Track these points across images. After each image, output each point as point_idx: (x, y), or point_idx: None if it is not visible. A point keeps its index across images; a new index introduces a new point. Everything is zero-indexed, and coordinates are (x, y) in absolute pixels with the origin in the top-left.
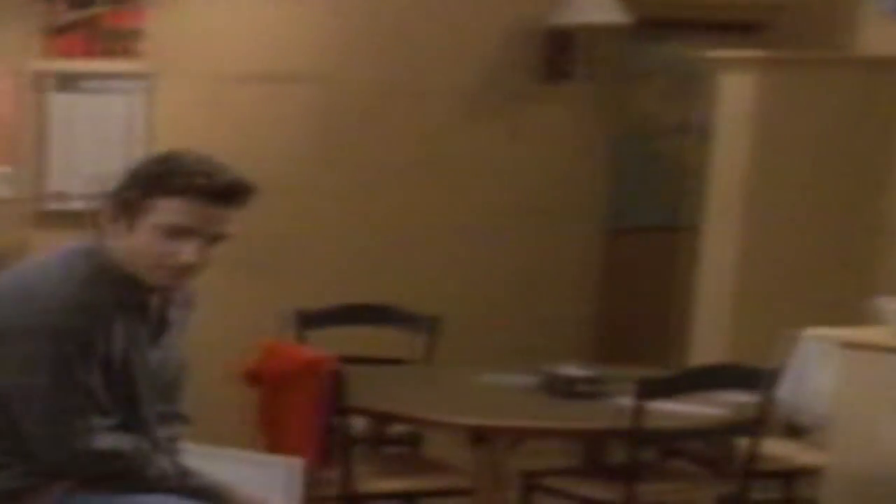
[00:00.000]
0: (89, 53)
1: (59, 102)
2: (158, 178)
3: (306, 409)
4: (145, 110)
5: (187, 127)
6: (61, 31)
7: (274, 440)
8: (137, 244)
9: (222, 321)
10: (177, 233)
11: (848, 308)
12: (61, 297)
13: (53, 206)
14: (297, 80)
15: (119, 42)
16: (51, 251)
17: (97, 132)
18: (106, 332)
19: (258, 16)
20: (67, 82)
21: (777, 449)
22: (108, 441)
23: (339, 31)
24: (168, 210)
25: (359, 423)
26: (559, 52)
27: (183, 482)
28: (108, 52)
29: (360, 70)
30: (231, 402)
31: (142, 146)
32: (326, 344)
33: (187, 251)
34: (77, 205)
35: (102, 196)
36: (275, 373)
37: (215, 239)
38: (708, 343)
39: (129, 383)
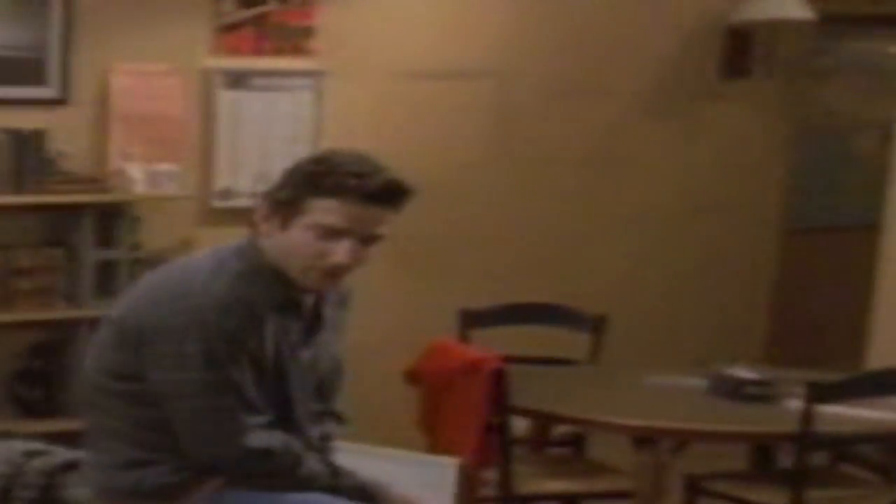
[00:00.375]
0: (258, 51)
1: (227, 100)
2: (313, 177)
3: (467, 408)
4: (313, 108)
5: (355, 125)
6: (231, 28)
7: (434, 439)
8: (290, 244)
9: (386, 320)
10: (329, 233)
11: None
12: (213, 295)
13: (219, 203)
14: (471, 76)
15: (289, 39)
16: (206, 249)
17: (264, 130)
18: (257, 330)
19: (431, 11)
20: (236, 80)
21: None
22: (259, 439)
23: (515, 26)
24: (321, 210)
25: (521, 424)
26: (739, 50)
27: (335, 481)
28: (278, 50)
29: (536, 66)
30: (395, 401)
31: (308, 144)
32: (491, 343)
33: (339, 252)
34: (243, 202)
35: (259, 195)
36: (437, 372)
37: (369, 240)
38: (886, 346)
39: (280, 382)
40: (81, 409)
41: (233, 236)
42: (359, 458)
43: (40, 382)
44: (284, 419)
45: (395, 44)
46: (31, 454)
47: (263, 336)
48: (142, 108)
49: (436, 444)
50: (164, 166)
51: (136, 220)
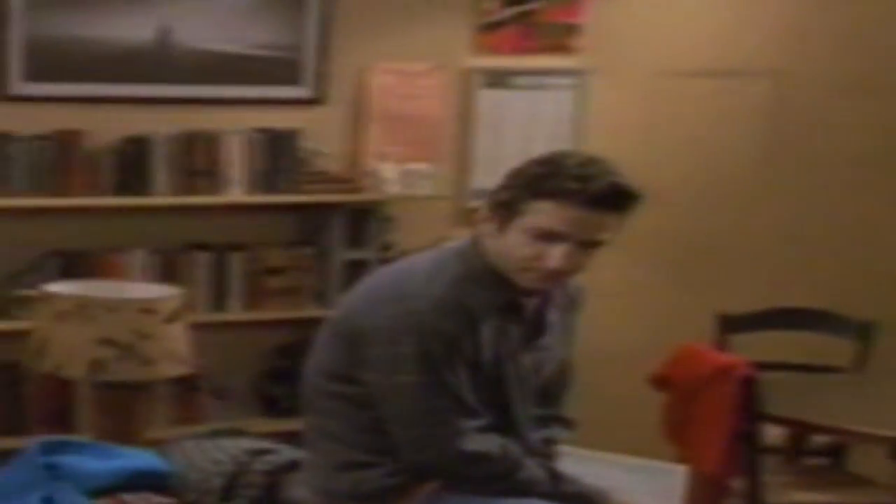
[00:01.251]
0: (521, 49)
1: (487, 99)
2: (534, 179)
3: (715, 415)
4: (577, 108)
5: (621, 125)
6: (493, 27)
7: (682, 446)
8: (507, 245)
9: (644, 324)
10: (546, 236)
11: None
12: (429, 297)
13: (476, 203)
14: (745, 74)
15: (553, 37)
16: (429, 250)
17: (525, 130)
18: (474, 332)
19: (705, 8)
20: (497, 79)
21: None
22: (475, 443)
23: (793, 23)
24: (539, 213)
25: (775, 433)
26: None
27: (555, 487)
28: (542, 48)
29: (814, 64)
30: (650, 406)
31: (570, 144)
32: (750, 349)
33: (555, 256)
34: None
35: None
36: (686, 377)
37: (589, 245)
38: None
39: (499, 385)
40: (303, 410)
41: None
42: (584, 464)
43: (286, 381)
44: (503, 423)
45: (665, 41)
46: (256, 453)
47: (480, 339)
48: (400, 107)
49: (683, 451)
50: (419, 166)
51: (388, 220)
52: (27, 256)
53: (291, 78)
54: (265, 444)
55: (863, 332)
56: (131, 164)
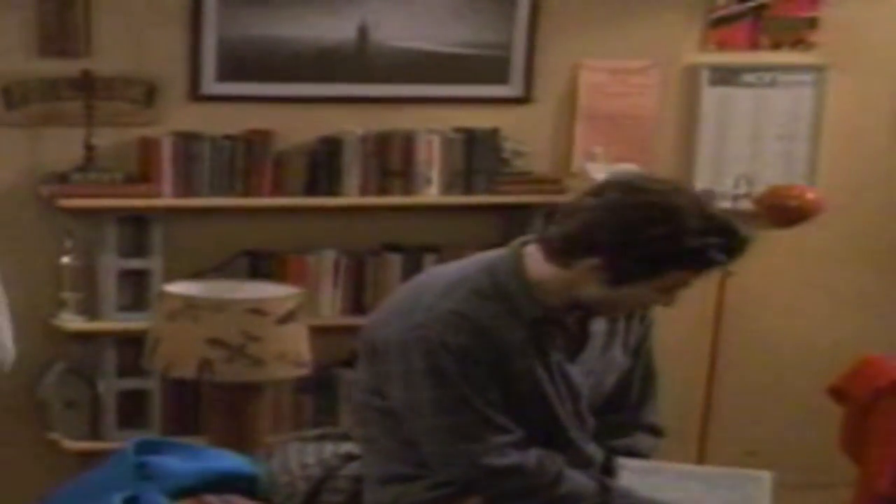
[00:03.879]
0: (753, 45)
1: (713, 97)
2: (671, 253)
3: (888, 431)
4: (814, 105)
5: (865, 123)
6: (725, 22)
7: (857, 462)
8: (623, 296)
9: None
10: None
11: None
12: (437, 310)
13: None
14: None
15: (789, 32)
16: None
17: (755, 129)
18: (496, 346)
19: None
20: (725, 76)
21: None
22: (506, 457)
23: None
24: (676, 278)
25: None
26: None
27: (604, 499)
28: (776, 44)
29: None
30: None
31: (807, 143)
32: None
33: (672, 300)
34: (725, 204)
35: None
36: (863, 390)
37: None
38: None
39: (540, 400)
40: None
41: None
42: (660, 477)
43: None
44: (552, 437)
45: None
46: (347, 458)
47: (507, 352)
48: (611, 105)
49: (858, 466)
50: (628, 166)
51: None
52: (217, 257)
53: (498, 76)
54: (355, 449)
55: None
56: (323, 164)
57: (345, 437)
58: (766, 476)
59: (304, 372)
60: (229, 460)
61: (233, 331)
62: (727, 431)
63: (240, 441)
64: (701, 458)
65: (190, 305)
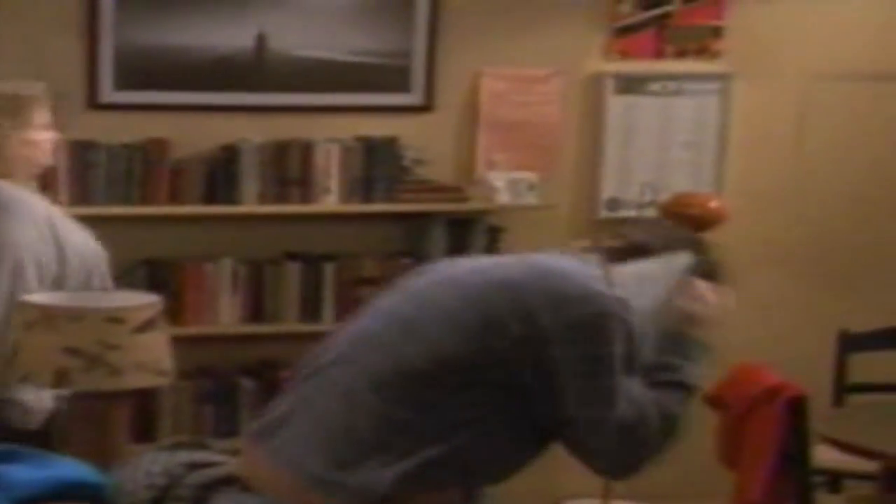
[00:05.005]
0: (658, 53)
1: (618, 106)
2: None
3: (763, 439)
4: (719, 113)
5: (770, 132)
6: (629, 31)
7: (733, 470)
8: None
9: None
10: None
11: None
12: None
13: (607, 214)
14: None
15: (694, 40)
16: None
17: (660, 137)
18: None
19: (864, 8)
20: (629, 84)
21: None
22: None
23: None
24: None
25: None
26: None
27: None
28: (681, 52)
29: None
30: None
31: (712, 152)
32: (874, 370)
33: None
34: (630, 213)
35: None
36: (737, 398)
37: None
38: None
39: None
40: None
41: None
42: None
43: None
44: None
45: (819, 43)
46: (193, 466)
47: None
48: (514, 114)
49: (735, 474)
50: (528, 175)
51: (495, 230)
52: (114, 266)
53: (399, 85)
54: (209, 457)
55: None
56: (221, 172)
57: (200, 446)
58: None
59: (164, 381)
60: (77, 470)
61: (90, 340)
62: None
63: (100, 452)
64: None
65: (47, 315)
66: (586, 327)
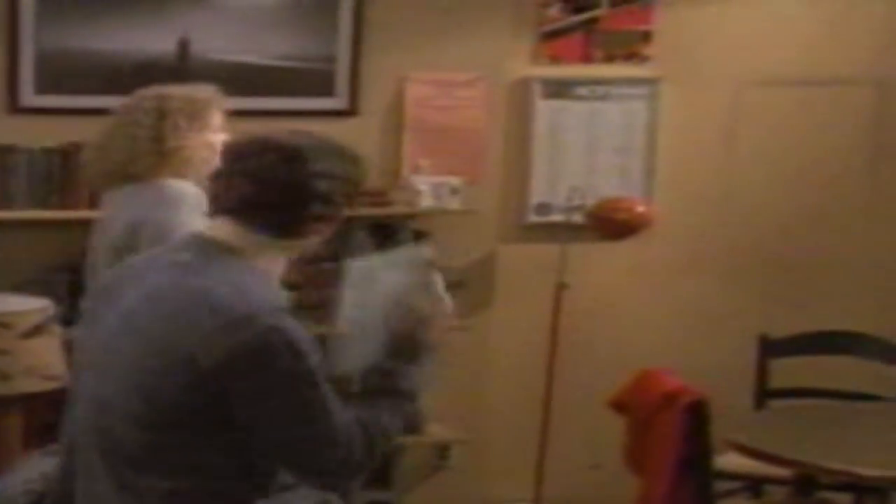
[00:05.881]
0: (586, 58)
1: (546, 110)
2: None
3: (663, 444)
4: (648, 118)
5: (698, 137)
6: (557, 35)
7: (638, 476)
8: None
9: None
10: None
11: None
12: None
13: (536, 218)
14: (844, 83)
15: (622, 45)
16: None
17: (589, 142)
18: None
19: (793, 15)
20: (557, 89)
21: None
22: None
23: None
24: None
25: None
26: None
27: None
28: (610, 57)
29: None
30: None
31: (641, 156)
32: (793, 375)
33: None
34: (558, 217)
35: None
36: (639, 404)
37: None
38: None
39: None
40: None
41: (547, 252)
42: None
43: None
44: None
45: (748, 48)
46: None
47: None
48: (439, 118)
49: (640, 478)
50: (451, 179)
51: (419, 235)
52: (35, 270)
53: (323, 89)
54: None
55: None
56: None
57: None
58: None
59: (55, 385)
60: None
61: None
62: (570, 444)
63: None
64: (540, 471)
65: None
66: (249, 354)
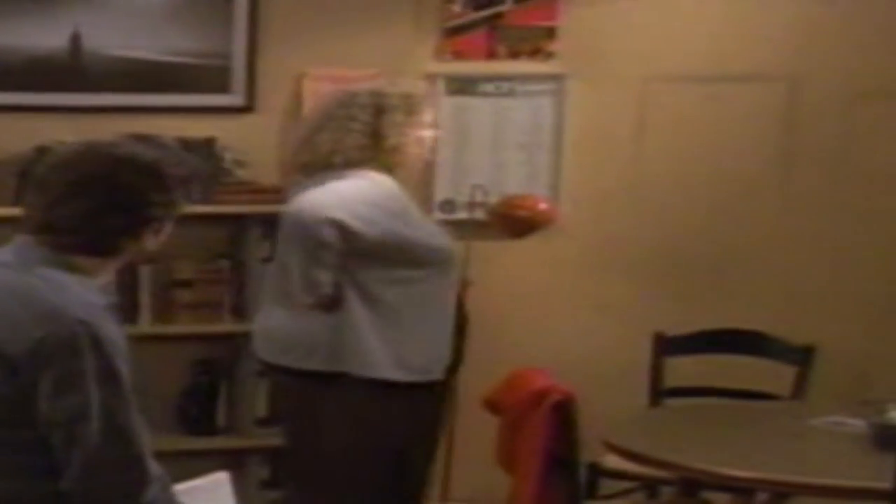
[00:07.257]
0: (490, 54)
1: (451, 107)
2: None
3: (531, 444)
4: (554, 114)
5: (605, 133)
6: (460, 31)
7: (510, 473)
8: None
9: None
10: None
11: None
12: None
13: (442, 216)
14: (753, 79)
15: (527, 41)
16: None
17: (494, 138)
18: None
19: (700, 11)
20: (462, 86)
21: None
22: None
23: (808, 24)
24: None
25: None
26: None
27: None
28: (513, 53)
29: (833, 67)
30: None
31: (548, 153)
32: (689, 373)
33: None
34: (461, 215)
35: None
36: (510, 403)
37: None
38: None
39: None
40: None
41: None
42: None
43: (203, 398)
44: None
45: (655, 44)
46: None
47: None
48: None
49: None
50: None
51: None
52: None
53: (218, 85)
54: None
55: (803, 357)
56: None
57: None
58: (223, 477)
59: None
60: None
61: None
62: (476, 443)
63: None
64: (447, 470)
65: None
66: (55, 344)
